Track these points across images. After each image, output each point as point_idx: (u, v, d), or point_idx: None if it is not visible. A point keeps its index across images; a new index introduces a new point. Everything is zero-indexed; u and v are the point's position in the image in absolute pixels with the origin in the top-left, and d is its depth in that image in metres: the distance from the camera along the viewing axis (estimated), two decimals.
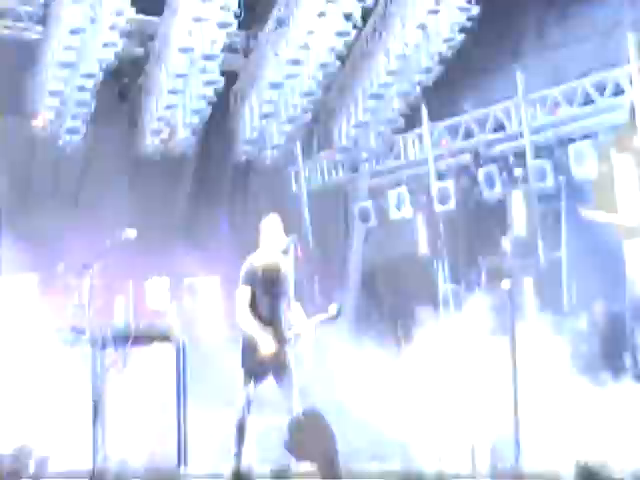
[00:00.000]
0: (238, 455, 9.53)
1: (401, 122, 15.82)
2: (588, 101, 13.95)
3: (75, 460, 9.64)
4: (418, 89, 15.30)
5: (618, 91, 13.60)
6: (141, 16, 15.04)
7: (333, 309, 9.92)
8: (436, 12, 14.48)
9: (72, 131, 14.96)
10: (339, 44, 14.98)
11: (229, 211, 13.87)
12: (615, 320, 12.55)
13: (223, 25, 14.56)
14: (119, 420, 10.65)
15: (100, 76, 14.86)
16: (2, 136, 13.94)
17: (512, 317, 10.84)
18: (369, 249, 16.14)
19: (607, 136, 13.27)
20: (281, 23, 15.20)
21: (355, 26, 14.87)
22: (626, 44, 13.30)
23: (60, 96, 14.89)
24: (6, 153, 14.02)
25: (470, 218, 14.71)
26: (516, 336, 9.76)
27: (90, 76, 14.82)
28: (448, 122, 15.68)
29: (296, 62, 15.08)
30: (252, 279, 9.67)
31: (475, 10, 14.51)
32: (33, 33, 14.96)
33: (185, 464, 9.79)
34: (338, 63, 15.32)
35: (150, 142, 15.12)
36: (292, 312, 9.83)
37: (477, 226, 14.07)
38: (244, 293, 9.66)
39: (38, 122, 14.60)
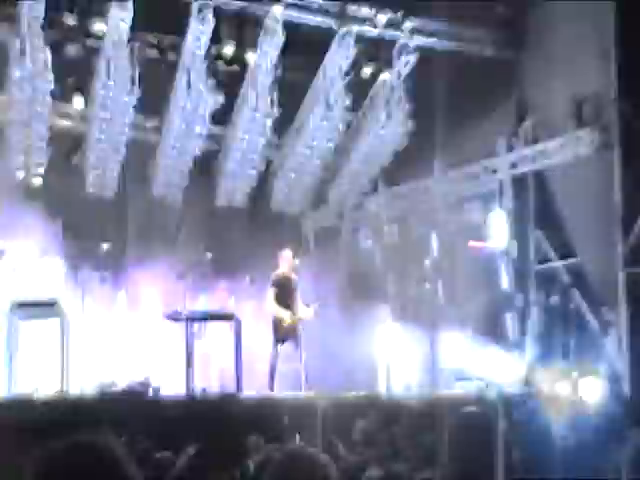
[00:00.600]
0: (271, 388, 10.19)
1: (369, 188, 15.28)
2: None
3: (176, 389, 10.09)
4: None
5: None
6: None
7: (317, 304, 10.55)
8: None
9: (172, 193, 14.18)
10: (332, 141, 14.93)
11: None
12: (491, 303, 12.83)
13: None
14: (201, 366, 11.20)
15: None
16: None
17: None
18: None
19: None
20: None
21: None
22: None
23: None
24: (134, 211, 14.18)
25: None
26: None
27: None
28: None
29: (305, 154, 14.90)
30: (277, 284, 10.46)
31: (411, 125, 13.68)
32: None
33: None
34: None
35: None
36: (299, 304, 10.52)
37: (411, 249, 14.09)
38: (272, 292, 10.42)
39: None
